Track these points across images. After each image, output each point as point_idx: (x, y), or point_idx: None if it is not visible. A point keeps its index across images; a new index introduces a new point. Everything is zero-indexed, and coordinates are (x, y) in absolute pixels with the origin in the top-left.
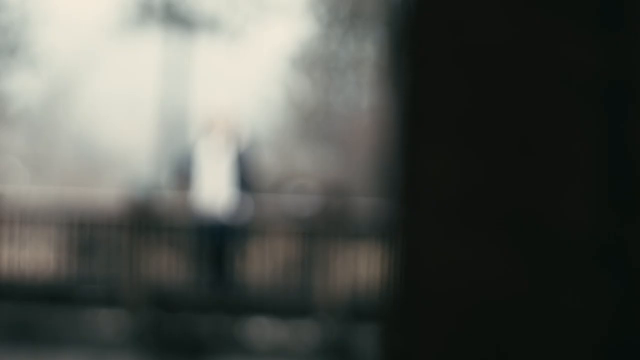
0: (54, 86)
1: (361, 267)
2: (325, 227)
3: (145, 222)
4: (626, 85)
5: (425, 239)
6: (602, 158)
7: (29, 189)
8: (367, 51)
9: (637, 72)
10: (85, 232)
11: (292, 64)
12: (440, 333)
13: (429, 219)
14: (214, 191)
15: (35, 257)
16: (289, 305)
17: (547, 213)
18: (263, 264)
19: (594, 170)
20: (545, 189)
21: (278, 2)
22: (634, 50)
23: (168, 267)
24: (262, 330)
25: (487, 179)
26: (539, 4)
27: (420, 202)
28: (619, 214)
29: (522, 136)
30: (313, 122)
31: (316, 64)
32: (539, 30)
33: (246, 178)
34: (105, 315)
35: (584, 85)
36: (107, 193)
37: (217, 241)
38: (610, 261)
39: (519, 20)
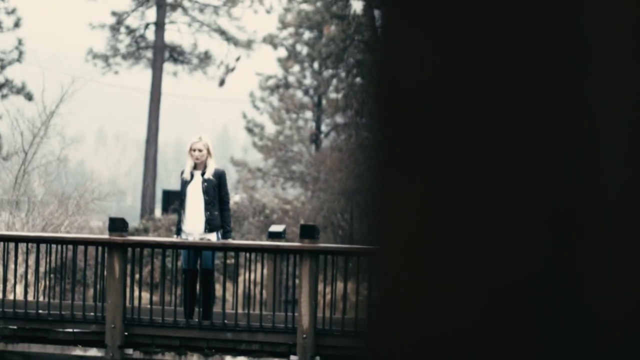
0: (40, 119)
1: (337, 300)
2: (304, 264)
3: (129, 253)
4: (562, 110)
5: (399, 268)
6: (540, 180)
7: (11, 226)
8: (335, 87)
9: (572, 97)
10: (68, 265)
11: (257, 100)
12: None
13: (402, 248)
14: (195, 216)
15: (16, 291)
16: (267, 336)
17: (491, 237)
18: (241, 294)
19: (533, 192)
20: (488, 210)
21: (248, 39)
22: (570, 78)
23: (150, 300)
24: None
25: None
26: (475, 33)
27: (395, 232)
28: (559, 236)
29: (467, 160)
30: (278, 159)
31: (282, 101)
32: (478, 58)
33: (222, 198)
34: (87, 352)
35: (523, 109)
36: (90, 225)
37: (197, 269)
38: (549, 281)
39: (461, 50)
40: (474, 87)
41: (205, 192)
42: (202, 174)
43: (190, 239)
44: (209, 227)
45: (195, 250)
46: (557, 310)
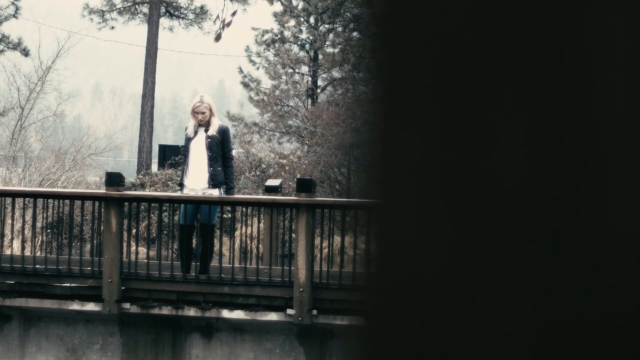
0: (37, 74)
1: (334, 254)
2: (301, 217)
3: (126, 208)
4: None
5: (401, 221)
6: (543, 117)
7: (8, 181)
8: (336, 42)
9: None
10: (65, 220)
11: (253, 56)
12: (411, 319)
13: (404, 201)
14: (198, 172)
15: (13, 246)
16: (264, 290)
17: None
18: (238, 248)
19: (535, 130)
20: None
21: None
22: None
23: (148, 253)
24: (240, 317)
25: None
26: None
27: (395, 184)
28: (561, 178)
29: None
30: (274, 114)
31: (280, 55)
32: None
33: (225, 154)
34: (84, 306)
35: (530, 45)
36: (87, 180)
37: (194, 225)
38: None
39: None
40: (473, 36)
41: (209, 147)
42: (206, 131)
43: (193, 194)
44: (213, 182)
45: (195, 205)
46: (559, 261)
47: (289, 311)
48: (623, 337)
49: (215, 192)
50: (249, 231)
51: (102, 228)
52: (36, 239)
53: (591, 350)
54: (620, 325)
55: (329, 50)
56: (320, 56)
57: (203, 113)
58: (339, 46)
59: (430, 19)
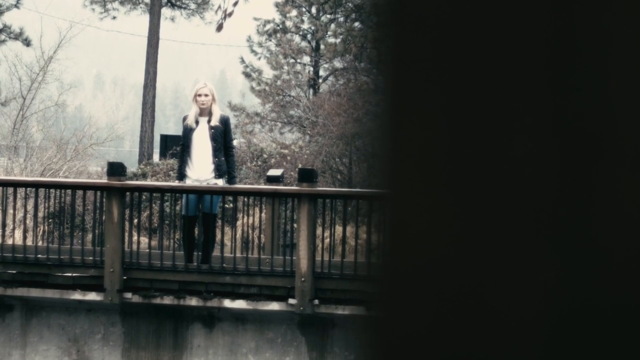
0: (38, 64)
1: (335, 244)
2: (303, 207)
3: (127, 198)
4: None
5: (410, 211)
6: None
7: (9, 171)
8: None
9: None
10: (67, 210)
11: (255, 45)
12: (422, 309)
13: (413, 191)
14: (202, 163)
15: (15, 236)
16: (266, 280)
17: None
18: (239, 238)
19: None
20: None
21: None
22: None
23: (149, 243)
24: (241, 307)
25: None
26: None
27: (404, 174)
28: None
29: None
30: (276, 104)
31: (281, 44)
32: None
33: (227, 144)
34: (86, 296)
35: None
36: (88, 170)
37: (197, 216)
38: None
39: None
40: (478, 24)
41: (213, 138)
42: (208, 121)
43: (197, 184)
44: (218, 172)
45: (197, 195)
46: (570, 248)
47: (291, 301)
48: (636, 323)
49: (220, 183)
50: (250, 221)
51: (103, 218)
52: (38, 229)
53: (604, 337)
54: (633, 311)
55: (331, 40)
56: (322, 46)
57: (206, 95)
58: (341, 36)
59: (435, 7)
